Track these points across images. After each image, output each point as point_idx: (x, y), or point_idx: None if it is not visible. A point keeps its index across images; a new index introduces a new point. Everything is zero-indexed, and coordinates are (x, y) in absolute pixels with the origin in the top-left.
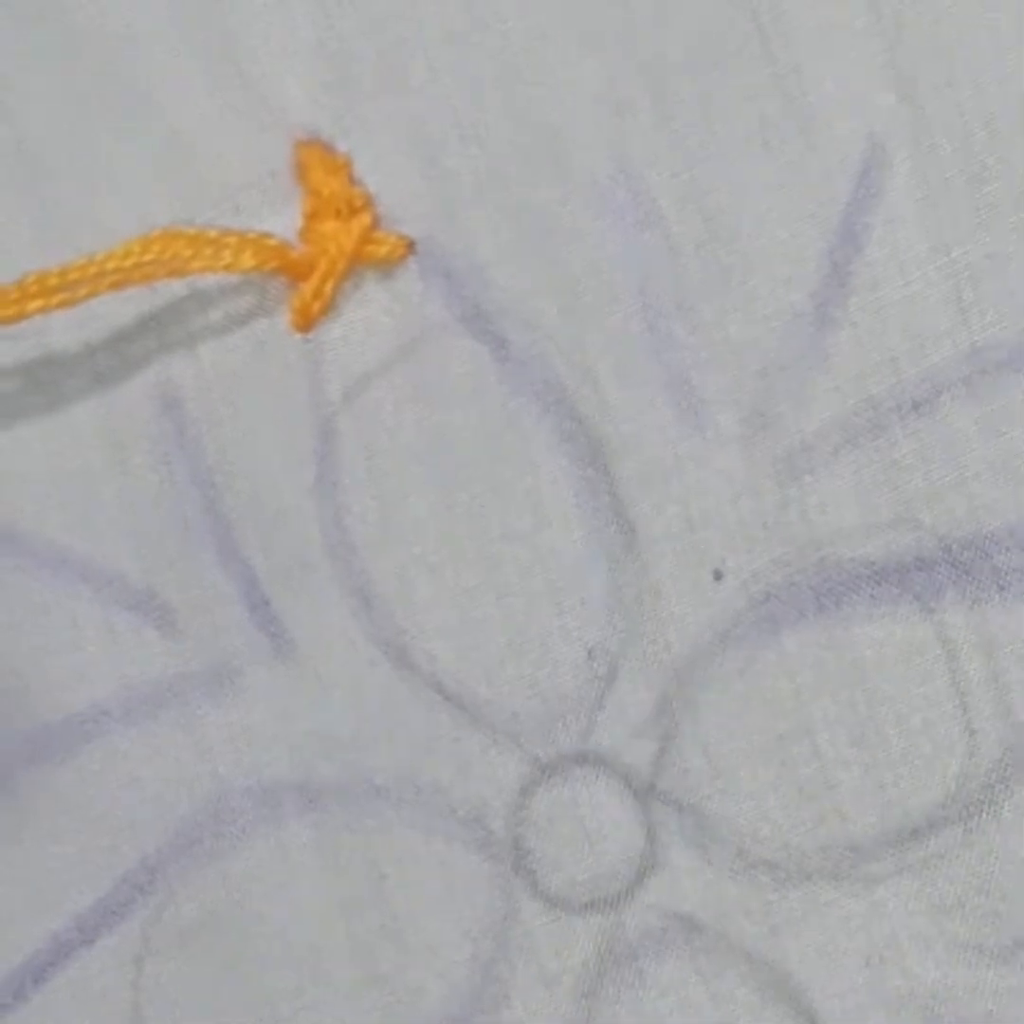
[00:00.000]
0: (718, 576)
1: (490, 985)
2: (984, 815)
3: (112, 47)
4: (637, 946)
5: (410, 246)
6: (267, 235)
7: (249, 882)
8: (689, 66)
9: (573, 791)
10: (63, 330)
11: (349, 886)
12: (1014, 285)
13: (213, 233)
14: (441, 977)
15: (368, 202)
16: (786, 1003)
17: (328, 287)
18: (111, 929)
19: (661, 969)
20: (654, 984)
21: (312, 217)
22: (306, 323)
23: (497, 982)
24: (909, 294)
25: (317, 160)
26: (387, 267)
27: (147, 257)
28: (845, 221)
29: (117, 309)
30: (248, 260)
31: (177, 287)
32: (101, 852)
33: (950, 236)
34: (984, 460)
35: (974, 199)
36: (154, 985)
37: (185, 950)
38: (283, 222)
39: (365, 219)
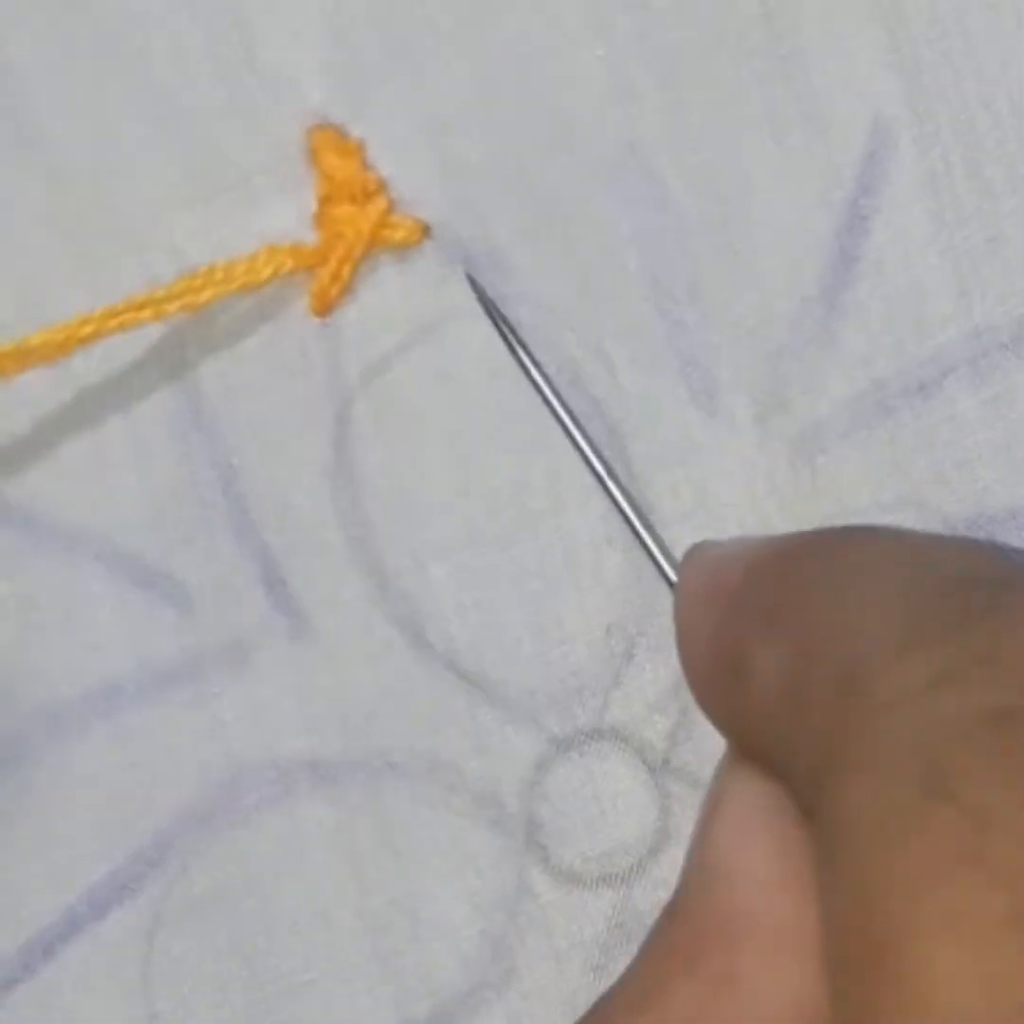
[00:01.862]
0: None
1: (500, 960)
2: None
3: (127, 33)
4: (648, 920)
5: (426, 230)
6: (276, 246)
7: (261, 857)
8: (697, 52)
9: (588, 766)
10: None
11: (361, 861)
12: (1013, 269)
13: (223, 265)
14: (452, 952)
15: (382, 186)
16: None
17: (345, 272)
18: (122, 903)
19: None
20: None
21: (326, 201)
22: (324, 308)
23: (507, 957)
24: (913, 277)
25: (330, 145)
26: (403, 251)
27: (159, 295)
28: (852, 205)
29: (134, 292)
30: (265, 273)
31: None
32: (114, 826)
33: (952, 219)
34: (987, 442)
35: (975, 182)
36: (164, 959)
37: (196, 924)
38: (296, 207)
39: (380, 203)
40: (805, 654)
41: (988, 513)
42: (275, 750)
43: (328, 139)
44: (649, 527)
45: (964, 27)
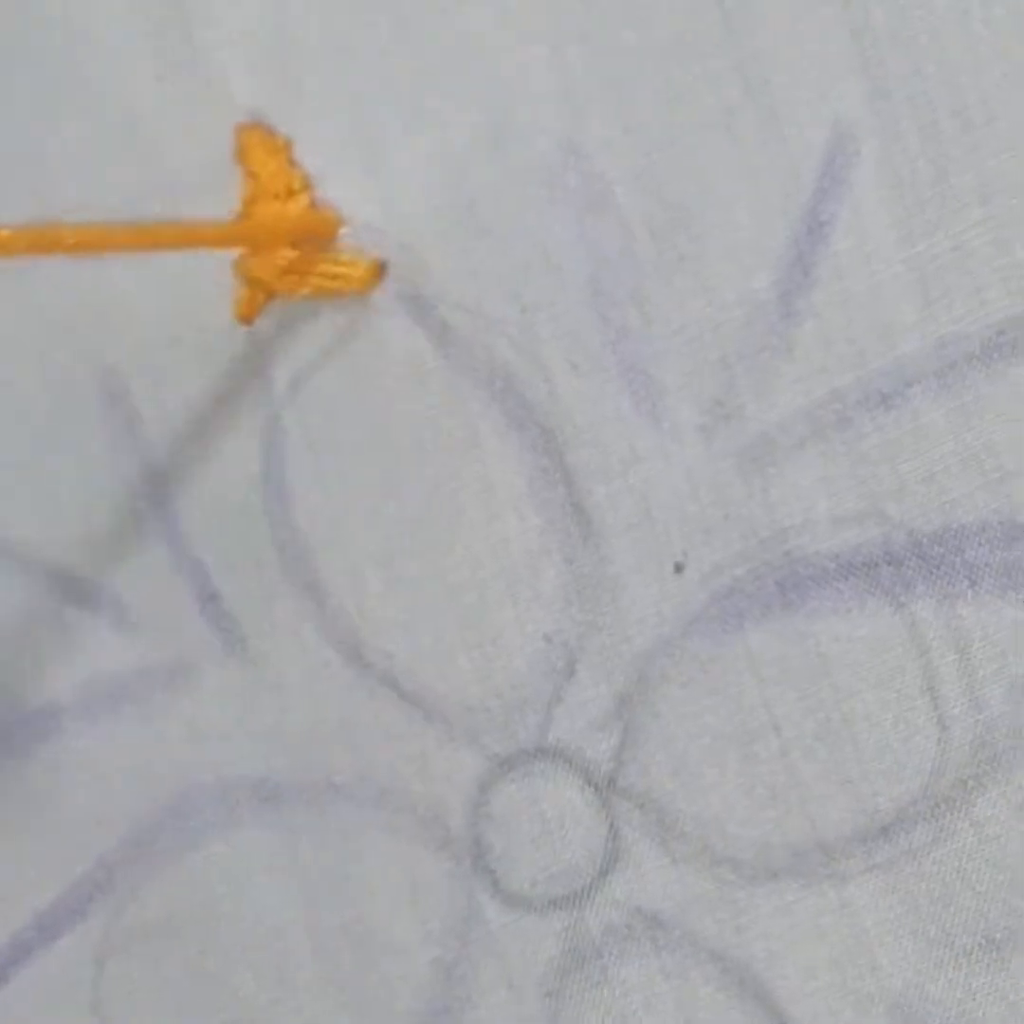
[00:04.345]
0: (679, 569)
1: (454, 987)
2: (956, 812)
3: (63, 30)
4: (601, 944)
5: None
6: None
7: (210, 880)
8: (648, 51)
9: (532, 786)
10: (8, 322)
11: (310, 885)
12: (980, 279)
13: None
14: (404, 978)
15: (307, 183)
16: (753, 1002)
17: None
18: (72, 928)
19: (625, 967)
20: (619, 983)
21: (250, 201)
22: (249, 313)
23: (461, 983)
24: (875, 285)
25: (257, 142)
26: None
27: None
28: (810, 210)
29: (59, 300)
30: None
31: (121, 279)
32: (60, 850)
33: (917, 227)
34: (954, 454)
35: (941, 191)
36: (115, 984)
37: (146, 949)
38: (223, 205)
39: (303, 200)
40: None
41: (955, 527)
42: (219, 770)
43: (256, 137)
44: None
45: (932, 31)
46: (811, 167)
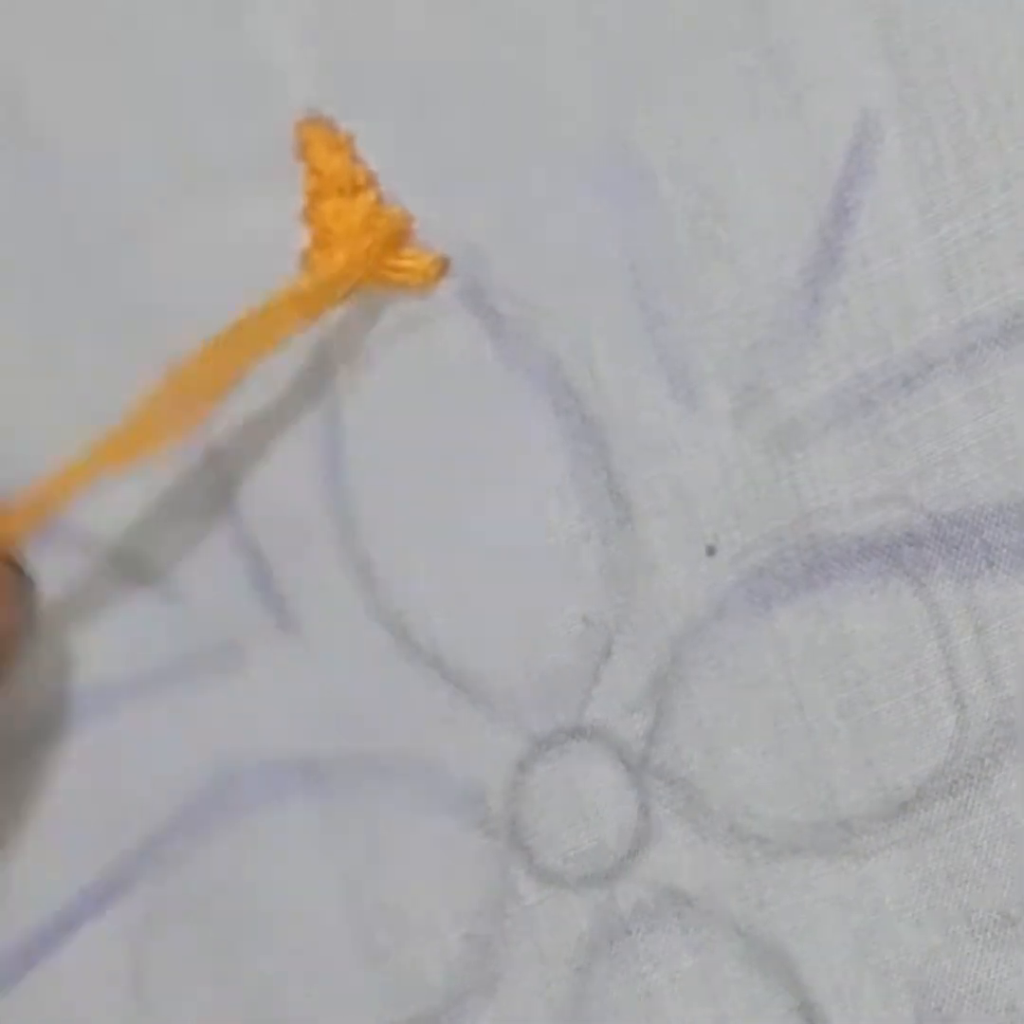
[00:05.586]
0: (711, 551)
1: (486, 963)
2: (974, 789)
3: (114, 25)
4: (630, 920)
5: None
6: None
7: (251, 857)
8: (682, 42)
9: (568, 765)
10: (73, 308)
11: (349, 863)
12: (1002, 262)
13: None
14: (438, 955)
15: (372, 179)
16: (777, 977)
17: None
18: (116, 902)
19: (653, 943)
20: (646, 958)
21: (314, 196)
22: (315, 309)
23: (493, 960)
24: (899, 270)
25: (319, 138)
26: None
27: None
28: (837, 197)
29: (118, 288)
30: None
31: (182, 267)
32: (107, 826)
33: (941, 212)
34: (973, 436)
35: (964, 175)
36: (157, 958)
37: (188, 924)
38: (283, 203)
39: (370, 196)
40: None
41: (974, 508)
42: (266, 751)
43: (318, 132)
44: None
45: (956, 19)
46: (837, 154)
